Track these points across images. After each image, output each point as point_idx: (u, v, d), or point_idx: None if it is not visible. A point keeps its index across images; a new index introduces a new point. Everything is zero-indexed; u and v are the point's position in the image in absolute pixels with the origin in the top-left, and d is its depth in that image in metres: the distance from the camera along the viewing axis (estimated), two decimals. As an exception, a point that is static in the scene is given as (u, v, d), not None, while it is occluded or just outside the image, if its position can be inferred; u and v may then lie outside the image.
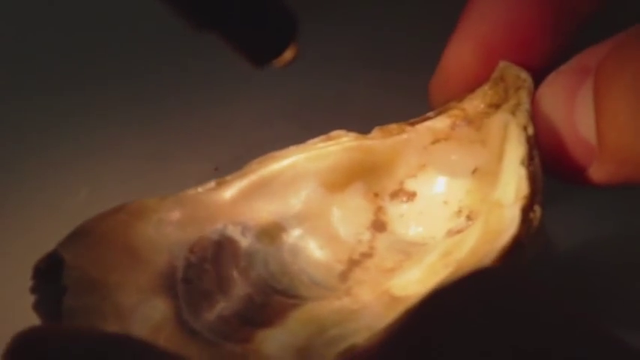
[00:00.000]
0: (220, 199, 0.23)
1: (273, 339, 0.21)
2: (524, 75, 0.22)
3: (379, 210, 0.24)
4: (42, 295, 0.21)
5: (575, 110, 0.20)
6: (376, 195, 0.24)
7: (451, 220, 0.23)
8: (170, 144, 0.27)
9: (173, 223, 0.23)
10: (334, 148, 0.23)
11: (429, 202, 0.24)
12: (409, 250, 0.23)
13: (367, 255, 0.23)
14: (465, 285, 0.14)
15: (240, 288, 0.22)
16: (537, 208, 0.20)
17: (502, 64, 0.23)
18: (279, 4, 0.18)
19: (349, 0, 0.27)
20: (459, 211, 0.23)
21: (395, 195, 0.24)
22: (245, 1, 0.17)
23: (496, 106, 0.23)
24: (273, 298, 0.22)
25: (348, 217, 0.24)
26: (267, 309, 0.22)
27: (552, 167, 0.21)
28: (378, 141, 0.24)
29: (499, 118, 0.22)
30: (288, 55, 0.19)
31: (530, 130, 0.21)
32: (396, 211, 0.24)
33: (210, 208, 0.23)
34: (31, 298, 0.21)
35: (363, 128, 0.24)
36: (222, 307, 0.22)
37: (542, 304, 0.14)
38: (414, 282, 0.21)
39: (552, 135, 0.21)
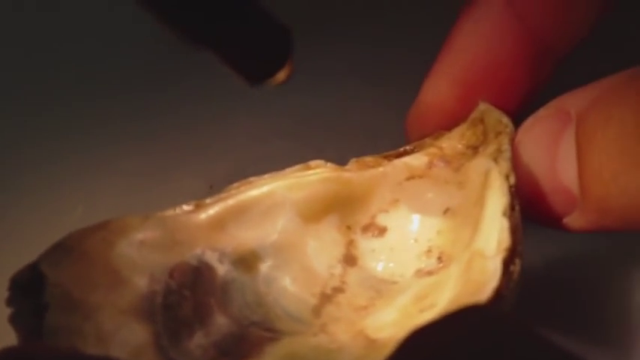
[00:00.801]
0: (199, 222, 0.23)
1: None
2: (506, 120, 0.22)
3: (350, 243, 0.24)
4: (19, 309, 0.20)
5: (557, 159, 0.20)
6: (349, 228, 0.24)
7: (420, 259, 0.23)
8: (166, 161, 0.26)
9: (154, 245, 0.22)
10: (313, 178, 0.23)
11: (400, 238, 0.24)
12: (380, 288, 0.23)
13: (339, 290, 0.23)
14: (450, 325, 0.14)
15: (217, 317, 0.22)
16: (517, 261, 0.20)
17: (482, 106, 0.23)
18: (274, 23, 0.18)
19: (346, 16, 0.27)
20: (429, 251, 0.23)
21: (366, 229, 0.24)
22: (240, 19, 0.17)
23: (474, 148, 0.23)
24: (249, 329, 0.22)
25: (321, 249, 0.23)
26: (244, 341, 0.21)
27: (531, 213, 0.21)
28: (355, 173, 0.23)
29: (480, 164, 0.22)
30: (283, 73, 0.19)
31: (512, 180, 0.21)
32: (367, 246, 0.24)
33: (190, 231, 0.22)
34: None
35: (359, 145, 0.24)
36: (200, 336, 0.21)
37: (530, 343, 0.13)
38: (390, 324, 0.22)
39: (532, 182, 0.21)
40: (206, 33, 0.17)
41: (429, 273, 0.23)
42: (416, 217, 0.24)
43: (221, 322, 0.22)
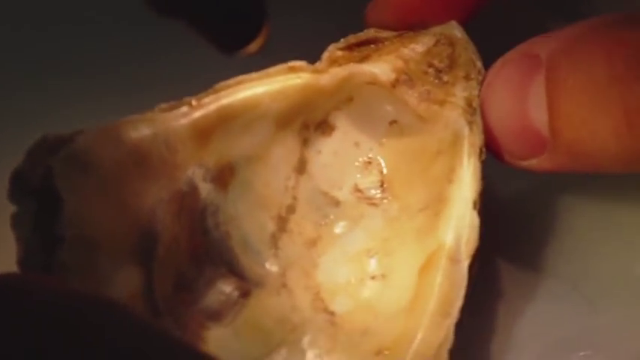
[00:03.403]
0: (193, 132, 0.22)
1: (225, 347, 0.22)
2: (480, 65, 0.22)
3: (304, 143, 0.24)
4: (22, 212, 0.20)
5: (527, 102, 0.20)
6: (306, 127, 0.24)
7: (359, 170, 0.24)
8: None
9: (157, 171, 0.22)
10: (295, 85, 0.23)
11: (343, 139, 0.24)
12: (324, 209, 0.24)
13: (291, 209, 0.24)
14: None
15: (199, 264, 0.22)
16: (477, 260, 0.21)
17: (457, 31, 0.22)
18: None
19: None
20: (369, 163, 0.24)
21: (318, 126, 0.24)
22: None
23: (438, 72, 0.22)
24: (221, 273, 0.23)
25: (283, 156, 0.24)
26: (216, 288, 0.22)
27: (498, 152, 0.21)
28: (329, 80, 0.23)
29: (451, 119, 0.22)
30: (256, 43, 0.19)
31: (483, 155, 0.21)
32: (316, 147, 0.24)
33: (186, 146, 0.22)
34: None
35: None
36: (179, 275, 0.22)
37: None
38: (342, 289, 0.23)
39: (501, 123, 0.21)
40: (178, 3, 0.17)
41: (370, 201, 0.24)
42: (362, 119, 0.24)
43: (201, 270, 0.22)
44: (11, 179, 0.20)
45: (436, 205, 0.22)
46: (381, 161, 0.24)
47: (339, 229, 0.24)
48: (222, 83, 0.22)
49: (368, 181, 0.24)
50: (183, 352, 0.15)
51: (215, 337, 0.22)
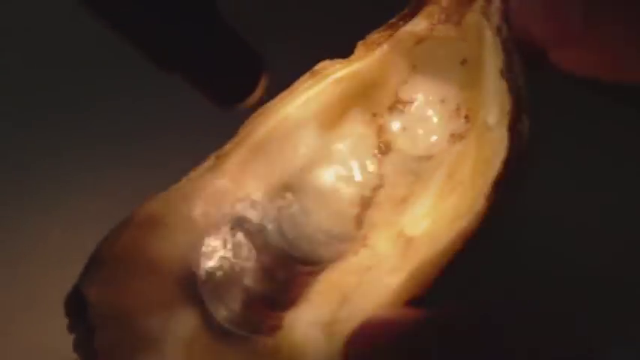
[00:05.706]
0: (222, 178, 0.22)
1: (301, 321, 0.21)
2: None
3: (381, 130, 0.23)
4: (78, 335, 0.20)
5: None
6: (374, 115, 0.23)
7: (451, 120, 0.23)
8: (141, 185, 0.25)
9: (183, 227, 0.21)
10: (322, 86, 0.22)
11: (427, 104, 0.23)
12: (418, 169, 0.23)
13: (378, 186, 0.23)
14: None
15: (260, 268, 0.22)
16: (524, 117, 0.20)
17: None
18: (245, 47, 0.17)
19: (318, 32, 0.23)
20: (458, 109, 0.23)
21: (392, 108, 0.23)
22: (210, 44, 0.16)
23: None
24: (295, 268, 0.22)
25: (351, 149, 0.23)
26: (290, 284, 0.21)
27: (529, 44, 0.20)
28: (364, 61, 0.22)
29: (472, 20, 0.21)
30: (255, 95, 0.18)
31: (505, 32, 0.20)
32: (398, 125, 0.23)
33: (215, 191, 0.22)
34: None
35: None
36: (246, 292, 0.21)
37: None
38: (425, 215, 0.21)
39: (537, 9, 0.20)
40: (176, 57, 0.16)
41: (461, 137, 0.22)
42: (436, 76, 0.23)
43: (264, 271, 0.22)
44: (66, 314, 0.20)
45: (479, 100, 0.21)
46: (467, 98, 0.23)
47: (431, 175, 0.23)
48: (245, 122, 0.22)
49: (459, 124, 0.23)
50: None
51: (291, 321, 0.21)
